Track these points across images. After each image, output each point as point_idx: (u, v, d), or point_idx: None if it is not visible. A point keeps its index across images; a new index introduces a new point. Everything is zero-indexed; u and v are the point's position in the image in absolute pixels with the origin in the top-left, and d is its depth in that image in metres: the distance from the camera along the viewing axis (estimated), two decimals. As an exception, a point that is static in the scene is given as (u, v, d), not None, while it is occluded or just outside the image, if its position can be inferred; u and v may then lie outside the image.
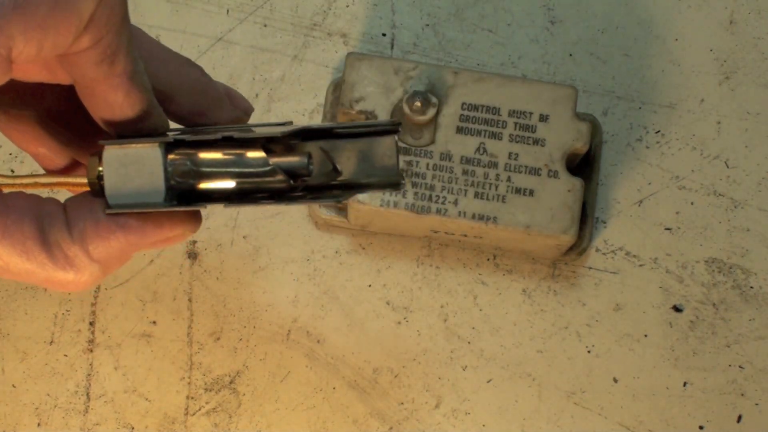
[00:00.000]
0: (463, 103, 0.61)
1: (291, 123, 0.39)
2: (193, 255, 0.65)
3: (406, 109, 0.59)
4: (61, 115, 0.44)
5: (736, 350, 0.64)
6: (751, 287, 0.65)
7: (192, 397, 0.64)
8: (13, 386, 0.64)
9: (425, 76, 0.61)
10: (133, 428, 0.63)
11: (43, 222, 0.37)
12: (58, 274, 0.37)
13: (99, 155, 0.39)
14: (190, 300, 0.65)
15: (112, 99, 0.38)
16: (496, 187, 0.60)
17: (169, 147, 0.38)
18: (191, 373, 0.64)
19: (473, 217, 0.60)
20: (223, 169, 0.39)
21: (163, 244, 0.40)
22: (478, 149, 0.61)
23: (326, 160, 0.38)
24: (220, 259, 0.65)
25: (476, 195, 0.60)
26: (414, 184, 0.60)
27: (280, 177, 0.38)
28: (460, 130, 0.61)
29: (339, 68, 0.67)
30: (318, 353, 0.64)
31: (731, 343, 0.64)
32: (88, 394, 0.64)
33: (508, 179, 0.60)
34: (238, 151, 0.38)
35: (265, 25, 0.68)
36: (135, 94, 0.38)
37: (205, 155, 0.39)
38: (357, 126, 0.38)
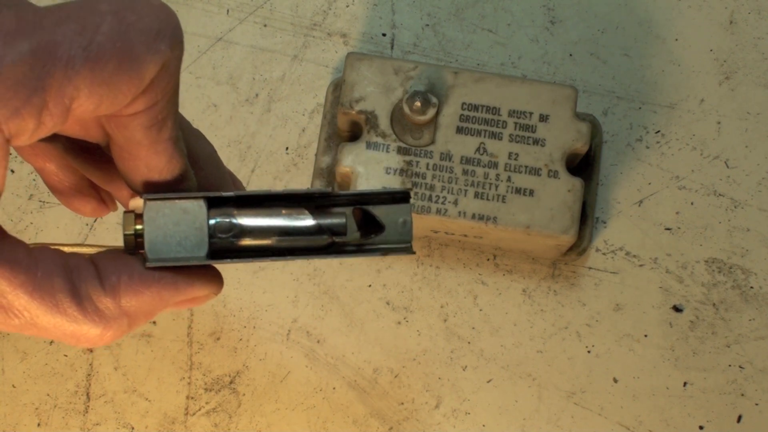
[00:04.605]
0: (463, 103, 0.61)
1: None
2: (193, 255, 0.65)
3: (406, 109, 0.59)
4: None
5: (736, 350, 0.64)
6: (751, 287, 0.65)
7: (192, 397, 0.64)
8: (13, 386, 0.64)
9: (425, 76, 0.61)
10: (133, 428, 0.63)
11: (72, 275, 0.37)
12: (86, 328, 0.37)
13: (134, 213, 0.40)
14: (190, 300, 0.65)
15: (154, 163, 0.38)
16: (496, 187, 0.60)
17: (210, 203, 0.39)
18: (191, 373, 0.64)
19: (473, 217, 0.60)
20: (267, 226, 0.40)
21: (187, 304, 0.40)
22: (478, 149, 0.61)
23: (353, 221, 0.41)
24: (220, 259, 0.65)
25: (476, 195, 0.60)
26: (414, 184, 0.60)
27: (323, 236, 0.40)
28: (460, 130, 0.61)
29: (339, 68, 0.67)
30: (318, 353, 0.64)
31: (731, 343, 0.64)
32: (88, 394, 0.64)
33: (508, 179, 0.60)
34: (279, 209, 0.40)
35: (265, 25, 0.68)
36: (176, 159, 0.39)
37: (248, 212, 0.40)
38: (377, 194, 0.41)
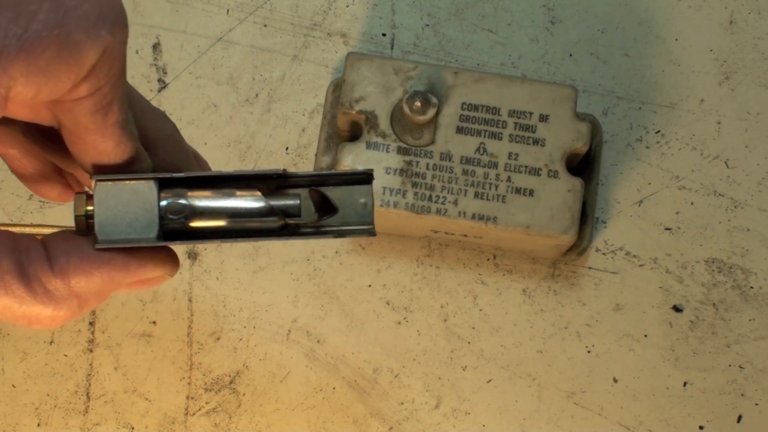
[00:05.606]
0: (463, 103, 0.61)
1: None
2: (193, 255, 0.65)
3: (406, 109, 0.59)
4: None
5: (736, 350, 0.64)
6: (751, 287, 0.65)
7: (192, 397, 0.64)
8: (13, 386, 0.64)
9: (425, 76, 0.61)
10: (133, 428, 0.63)
11: (21, 256, 0.36)
12: (36, 309, 0.37)
13: (86, 193, 0.39)
14: (190, 300, 0.65)
15: (102, 147, 0.38)
16: (496, 187, 0.60)
17: (162, 184, 0.39)
18: (191, 373, 0.64)
19: (473, 217, 0.60)
20: (218, 208, 0.39)
21: (141, 286, 0.40)
22: (478, 149, 0.61)
23: (311, 203, 0.40)
24: (220, 259, 0.65)
25: (476, 195, 0.60)
26: (414, 184, 0.60)
27: (274, 217, 0.39)
28: (460, 130, 0.61)
29: (339, 68, 0.67)
30: (318, 353, 0.64)
31: (731, 343, 0.64)
32: (88, 394, 0.64)
33: (508, 179, 0.60)
34: (232, 191, 0.39)
35: (265, 25, 0.68)
36: (125, 143, 0.38)
37: (199, 193, 0.39)
38: (337, 175, 0.40)
